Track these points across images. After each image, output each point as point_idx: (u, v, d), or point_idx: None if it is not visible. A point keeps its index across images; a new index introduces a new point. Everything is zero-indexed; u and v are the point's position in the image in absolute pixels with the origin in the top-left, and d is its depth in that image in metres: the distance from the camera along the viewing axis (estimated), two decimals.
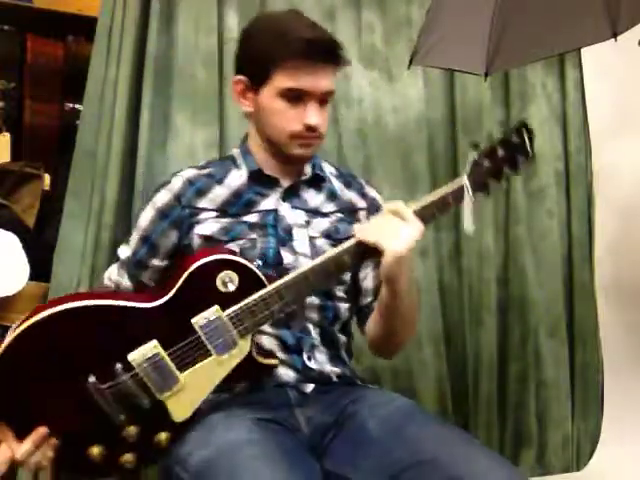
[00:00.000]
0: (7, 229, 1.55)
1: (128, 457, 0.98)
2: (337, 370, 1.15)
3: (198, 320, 0.99)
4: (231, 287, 1.00)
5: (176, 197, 1.16)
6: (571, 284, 2.20)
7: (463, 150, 2.07)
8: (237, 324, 1.00)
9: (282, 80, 1.10)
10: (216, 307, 0.99)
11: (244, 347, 1.01)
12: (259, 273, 1.02)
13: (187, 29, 1.78)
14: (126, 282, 1.20)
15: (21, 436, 0.94)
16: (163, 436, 0.99)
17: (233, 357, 1.00)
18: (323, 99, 1.14)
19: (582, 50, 2.12)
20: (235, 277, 1.00)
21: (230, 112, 1.80)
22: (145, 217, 1.19)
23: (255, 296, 1.00)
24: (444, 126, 2.09)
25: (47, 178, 1.83)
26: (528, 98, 2.18)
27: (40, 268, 1.57)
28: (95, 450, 0.97)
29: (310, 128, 1.12)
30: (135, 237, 1.20)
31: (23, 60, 2.02)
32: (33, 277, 1.55)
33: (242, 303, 0.99)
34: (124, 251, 1.22)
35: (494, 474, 0.89)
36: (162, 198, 1.18)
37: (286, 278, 1.02)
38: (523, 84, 2.18)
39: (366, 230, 1.03)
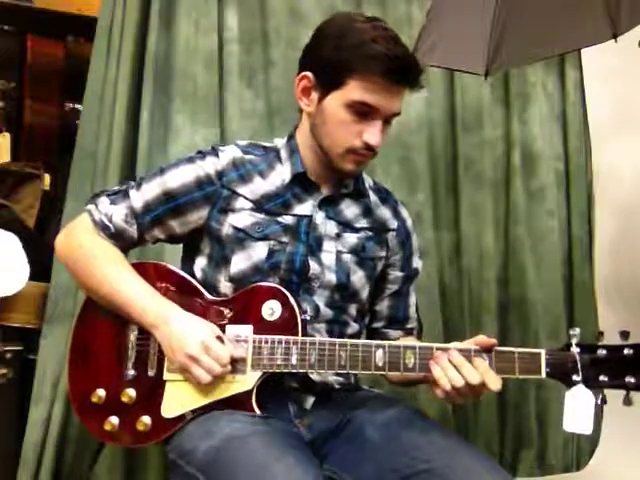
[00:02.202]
0: (7, 229, 1.55)
1: (113, 420, 1.05)
2: (340, 379, 1.15)
3: (231, 330, 1.04)
4: (271, 318, 1.04)
5: (219, 174, 1.11)
6: (571, 284, 2.19)
7: (463, 150, 2.07)
8: (255, 353, 1.02)
9: (356, 92, 1.04)
10: (250, 327, 1.04)
11: (249, 380, 1.02)
12: (299, 322, 1.04)
13: (187, 29, 1.78)
14: (132, 233, 1.12)
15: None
16: (145, 420, 1.04)
17: (237, 383, 1.02)
18: (388, 119, 1.10)
19: (582, 50, 2.12)
20: (279, 312, 1.04)
21: (230, 112, 1.81)
22: (177, 176, 1.12)
23: (281, 337, 1.02)
24: (444, 126, 2.09)
25: (47, 178, 1.83)
26: (528, 98, 2.18)
27: (40, 268, 1.57)
28: (99, 393, 1.06)
29: (369, 147, 1.08)
30: (156, 190, 1.12)
31: (23, 60, 2.02)
32: (33, 277, 1.55)
33: (269, 337, 1.02)
34: (136, 198, 1.12)
35: None
36: (205, 168, 1.12)
37: (319, 338, 1.04)
38: (523, 84, 2.18)
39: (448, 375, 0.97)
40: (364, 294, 1.19)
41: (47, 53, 2.05)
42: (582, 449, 2.14)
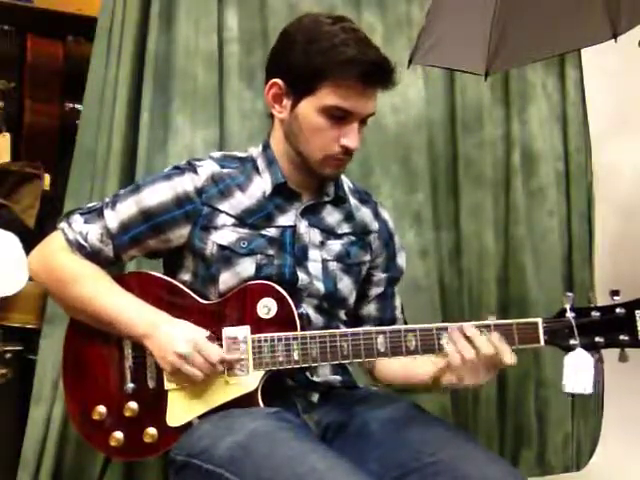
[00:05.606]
0: (7, 229, 1.55)
1: (117, 435, 1.05)
2: (339, 377, 1.16)
3: (228, 332, 1.03)
4: (267, 316, 1.04)
5: (198, 191, 1.09)
6: (571, 284, 2.20)
7: (463, 150, 2.07)
8: (256, 352, 1.02)
9: (329, 97, 1.03)
10: (248, 327, 1.03)
11: (253, 381, 1.01)
12: (296, 317, 1.04)
13: (187, 29, 1.77)
14: (109, 253, 1.10)
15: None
16: (151, 432, 1.03)
17: (241, 385, 1.02)
18: (364, 120, 1.09)
19: (582, 50, 2.12)
20: (275, 309, 1.04)
21: (230, 112, 1.80)
22: (154, 195, 1.09)
23: (281, 334, 1.02)
24: (444, 126, 2.09)
25: (47, 178, 1.83)
26: (528, 98, 2.18)
27: None
28: (100, 409, 1.05)
29: (347, 151, 1.07)
30: (132, 209, 1.09)
31: (23, 60, 2.02)
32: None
33: (268, 335, 1.02)
34: (111, 218, 1.09)
35: (494, 475, 0.89)
36: (184, 185, 1.09)
37: (319, 332, 1.03)
38: (523, 84, 2.18)
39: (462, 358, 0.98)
40: (352, 299, 1.19)
41: (47, 53, 2.05)
42: (582, 449, 2.14)
